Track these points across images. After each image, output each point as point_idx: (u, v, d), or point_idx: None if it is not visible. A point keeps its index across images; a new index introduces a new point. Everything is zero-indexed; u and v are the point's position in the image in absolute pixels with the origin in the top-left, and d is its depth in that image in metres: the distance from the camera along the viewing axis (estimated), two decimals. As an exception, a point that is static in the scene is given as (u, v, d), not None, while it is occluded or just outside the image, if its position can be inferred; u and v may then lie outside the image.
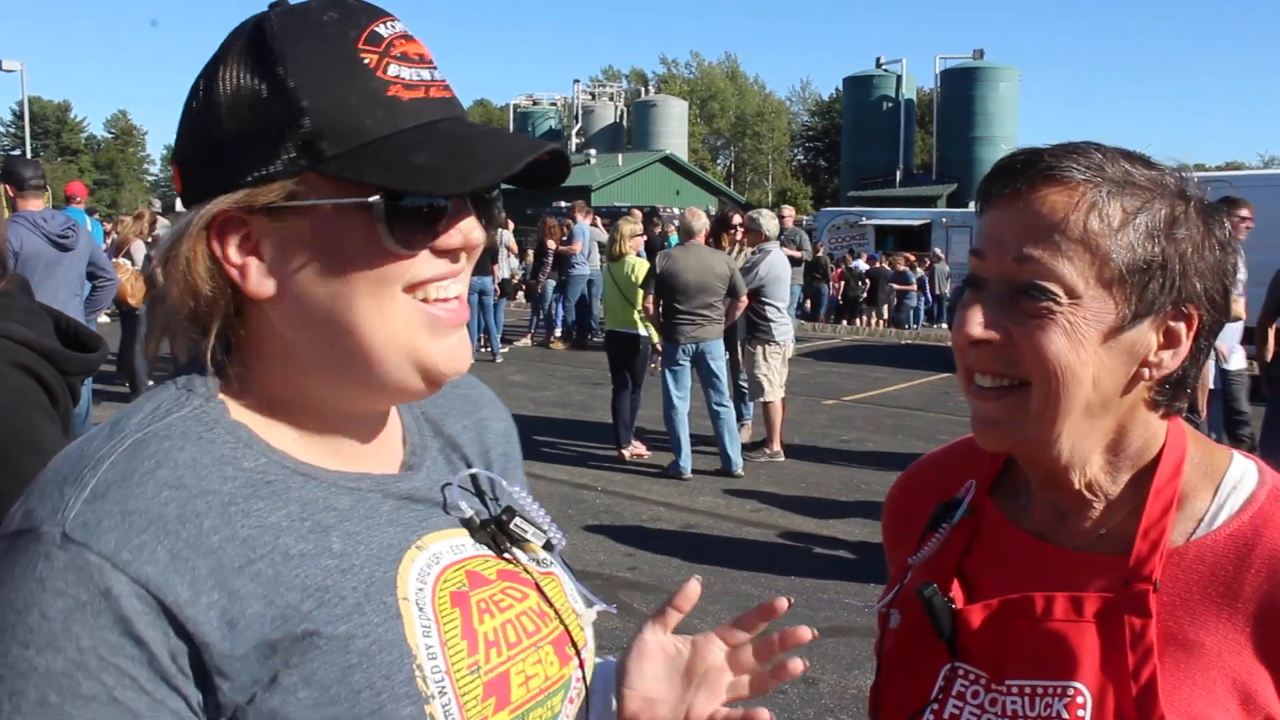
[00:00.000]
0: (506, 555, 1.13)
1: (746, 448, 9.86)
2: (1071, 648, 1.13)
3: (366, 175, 0.94)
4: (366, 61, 0.96)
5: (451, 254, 1.01)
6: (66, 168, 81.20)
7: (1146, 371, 1.14)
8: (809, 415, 11.82)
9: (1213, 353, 5.90)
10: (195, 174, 0.99)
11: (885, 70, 56.74)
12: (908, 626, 1.28)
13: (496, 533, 1.13)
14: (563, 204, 21.89)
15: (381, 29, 0.98)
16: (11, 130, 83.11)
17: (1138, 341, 1.13)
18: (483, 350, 15.26)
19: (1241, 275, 5.81)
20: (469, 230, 1.01)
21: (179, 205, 1.02)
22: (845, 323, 24.58)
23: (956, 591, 1.23)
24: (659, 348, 9.35)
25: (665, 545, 7.24)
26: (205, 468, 0.95)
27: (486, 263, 15.46)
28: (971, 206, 11.87)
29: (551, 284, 17.37)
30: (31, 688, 0.85)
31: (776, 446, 9.82)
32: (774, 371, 9.63)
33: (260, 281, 0.98)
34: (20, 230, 6.53)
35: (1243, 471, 1.18)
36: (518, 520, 1.15)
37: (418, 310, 0.99)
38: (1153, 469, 1.18)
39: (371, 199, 0.95)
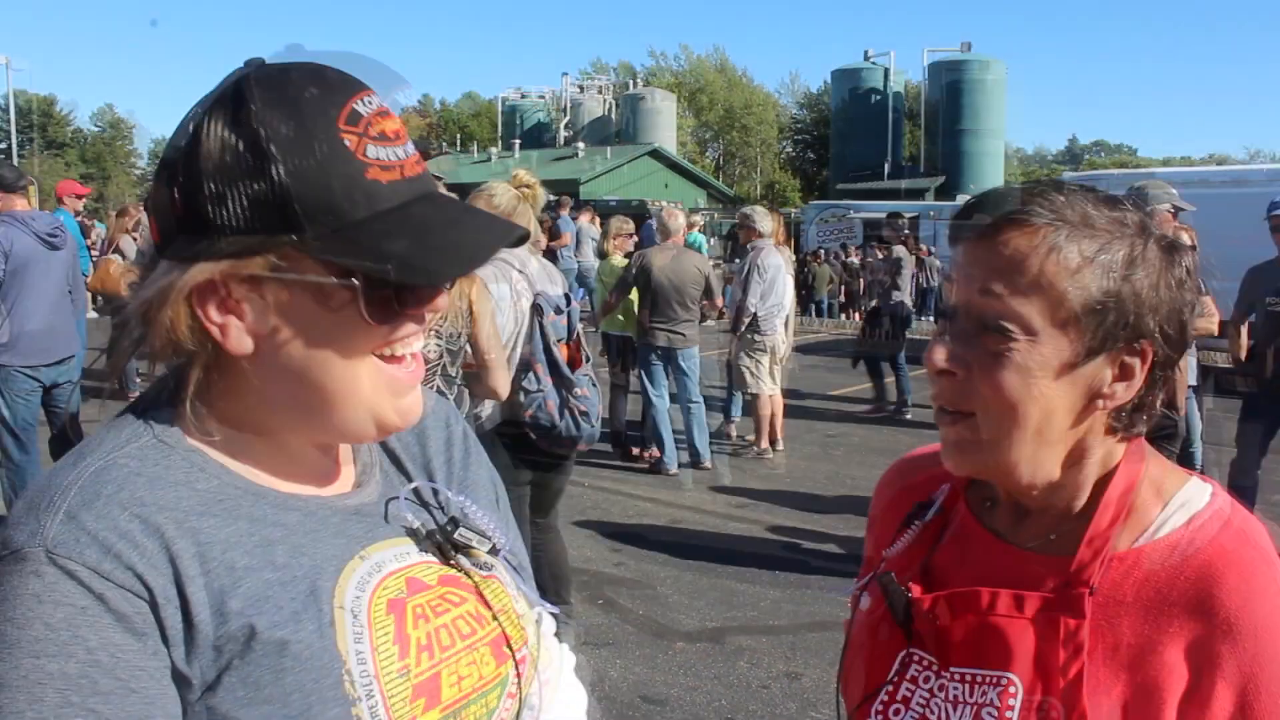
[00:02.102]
0: (451, 562, 1.21)
1: (737, 445, 9.93)
2: (1009, 641, 1.22)
3: (349, 260, 1.02)
4: (347, 144, 1.02)
5: (418, 317, 1.11)
6: (53, 162, 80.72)
7: (1101, 402, 1.21)
8: (795, 411, 11.89)
9: (1192, 350, 5.98)
10: (173, 231, 1.04)
11: (873, 63, 56.70)
12: (874, 611, 1.37)
13: (441, 541, 1.21)
14: (551, 197, 21.88)
15: (360, 106, 1.04)
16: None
17: (1093, 376, 1.20)
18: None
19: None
20: (436, 302, 1.11)
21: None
22: (844, 316, 24.60)
23: (917, 582, 1.32)
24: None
25: (652, 541, 7.31)
26: (163, 489, 1.04)
27: None
28: (959, 199, 11.95)
29: None
30: (52, 692, 0.92)
31: (765, 444, 9.88)
32: (759, 365, 9.70)
33: (240, 340, 1.06)
34: (11, 230, 6.56)
35: (1196, 491, 1.25)
36: (461, 529, 1.22)
37: (383, 374, 1.09)
38: (1106, 483, 1.25)
39: (353, 281, 1.03)
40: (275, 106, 1.01)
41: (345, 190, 1.01)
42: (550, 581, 5.06)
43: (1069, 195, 1.20)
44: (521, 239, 1.13)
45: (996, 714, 1.20)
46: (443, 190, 1.14)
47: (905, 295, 12.18)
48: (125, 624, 0.96)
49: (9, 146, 47.64)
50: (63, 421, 6.99)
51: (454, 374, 4.39)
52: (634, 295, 9.37)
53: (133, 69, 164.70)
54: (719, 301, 9.43)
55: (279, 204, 1.00)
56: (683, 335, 9.12)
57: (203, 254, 1.02)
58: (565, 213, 17.75)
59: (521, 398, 4.70)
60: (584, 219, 18.03)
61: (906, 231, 13.25)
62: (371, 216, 1.02)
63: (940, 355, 1.22)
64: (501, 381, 4.44)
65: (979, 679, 1.23)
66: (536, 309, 4.78)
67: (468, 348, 4.37)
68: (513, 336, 4.67)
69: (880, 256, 12.39)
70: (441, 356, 4.29)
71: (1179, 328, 1.22)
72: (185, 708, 1.00)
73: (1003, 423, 1.20)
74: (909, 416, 11.74)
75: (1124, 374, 1.21)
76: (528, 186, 4.80)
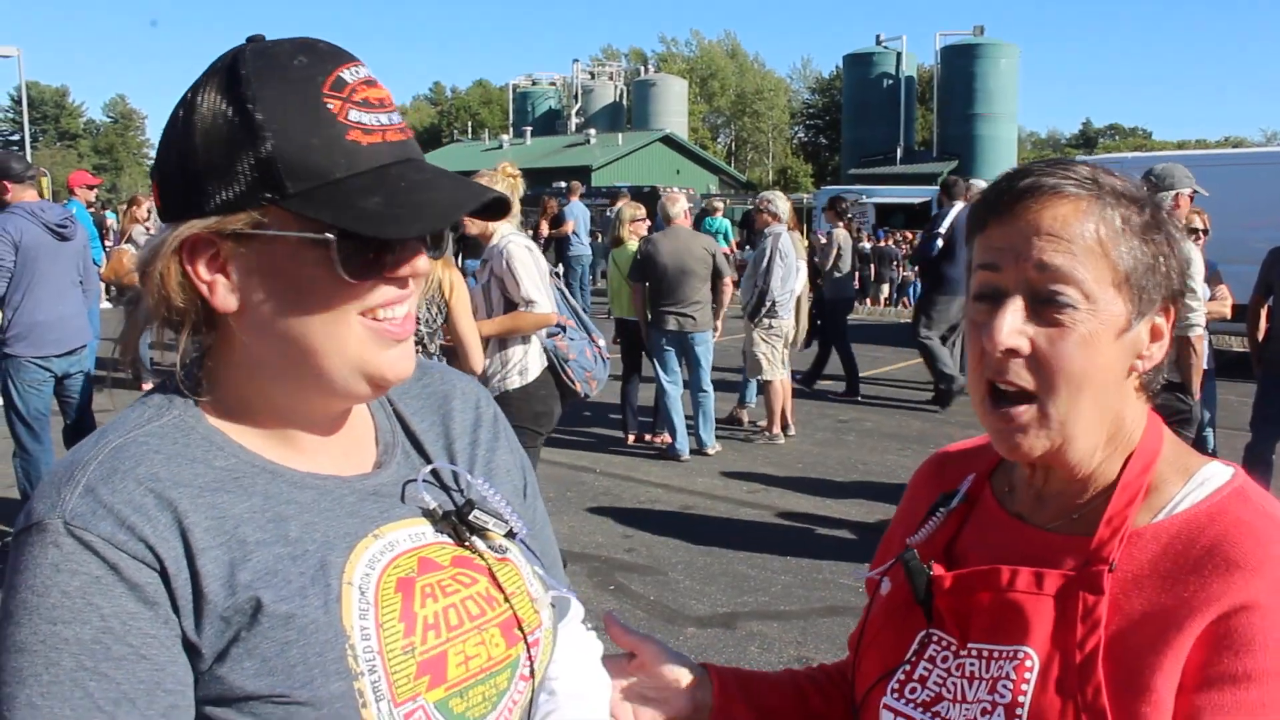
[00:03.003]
0: (466, 544, 1.22)
1: (749, 430, 9.92)
2: (1027, 617, 1.22)
3: (322, 214, 1.04)
4: (331, 108, 1.06)
5: (400, 281, 1.12)
6: (65, 153, 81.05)
7: (1139, 364, 1.25)
8: (808, 396, 11.87)
9: (1206, 334, 5.94)
10: (171, 194, 1.10)
11: (885, 47, 56.46)
12: (894, 594, 1.38)
13: (456, 523, 1.22)
14: (562, 184, 21.93)
15: (346, 74, 1.08)
16: (10, 116, 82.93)
17: (1136, 338, 1.23)
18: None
19: (1199, 273, 5.74)
20: (416, 263, 1.12)
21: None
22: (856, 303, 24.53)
23: (940, 565, 1.33)
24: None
25: (663, 527, 7.31)
26: (179, 466, 1.08)
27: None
28: (971, 183, 11.82)
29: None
30: (66, 656, 0.97)
31: (776, 429, 9.87)
32: (774, 351, 9.68)
33: (226, 298, 1.09)
34: (20, 221, 6.57)
35: (1216, 470, 1.26)
36: (477, 512, 1.23)
37: (367, 329, 1.11)
38: (1128, 462, 1.26)
39: (327, 235, 1.05)
40: (264, 74, 1.06)
41: (325, 151, 1.05)
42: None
43: (1091, 168, 1.22)
44: (498, 204, 1.14)
45: (1012, 686, 1.20)
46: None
47: (847, 277, 12.19)
48: (137, 593, 1.00)
49: (22, 138, 47.74)
50: (76, 411, 7.01)
51: (433, 351, 5.00)
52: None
53: (144, 61, 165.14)
54: (729, 281, 9.38)
55: (263, 164, 1.04)
56: (693, 318, 9.11)
57: (193, 212, 1.07)
58: (576, 199, 17.75)
59: (559, 349, 5.56)
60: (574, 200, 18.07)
61: (850, 215, 13.15)
62: (350, 176, 1.06)
63: (1006, 333, 1.19)
64: (477, 358, 5.09)
65: (995, 654, 1.24)
66: (553, 274, 5.58)
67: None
68: (547, 285, 5.47)
69: (823, 240, 12.34)
70: (421, 339, 4.84)
71: (1184, 285, 1.26)
72: (196, 677, 1.03)
73: (1071, 394, 1.20)
74: (859, 398, 11.86)
75: (1155, 335, 1.25)
76: (514, 176, 5.51)
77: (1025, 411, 1.22)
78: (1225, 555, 1.15)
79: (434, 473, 1.27)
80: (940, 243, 10.88)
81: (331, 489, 1.16)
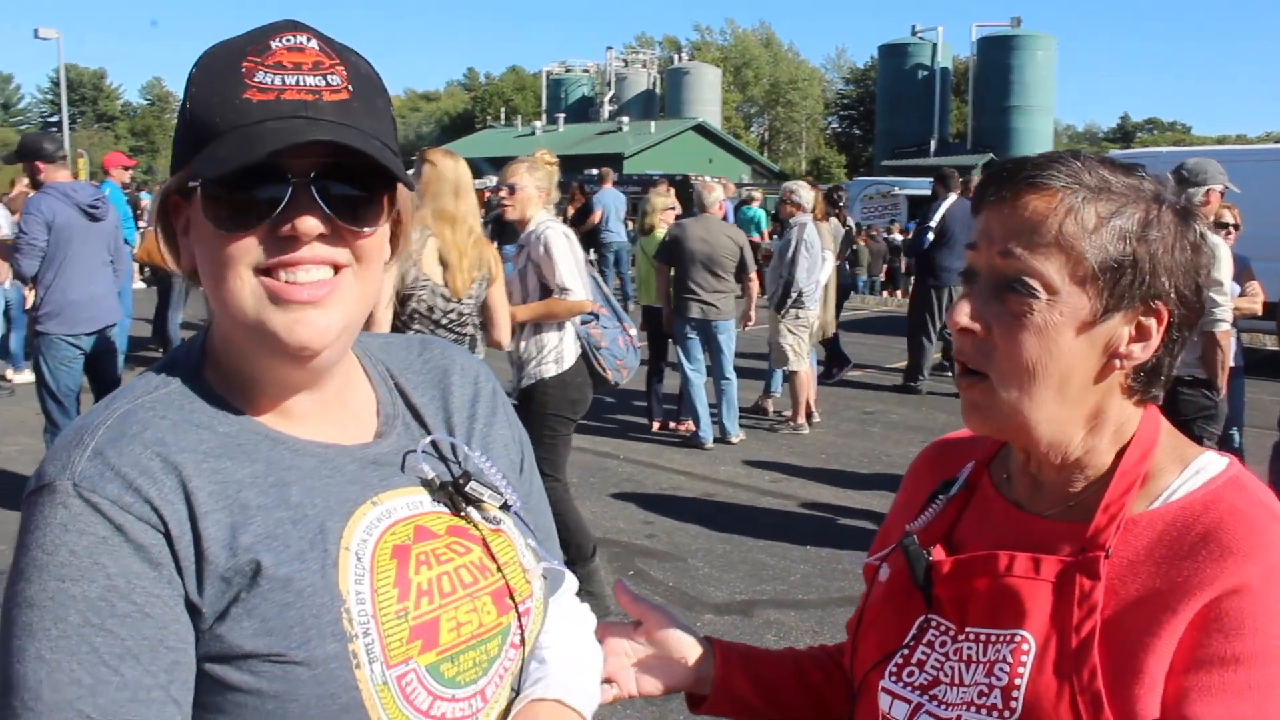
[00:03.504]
0: (462, 514, 1.25)
1: (773, 420, 9.91)
2: (1024, 602, 1.25)
3: (194, 167, 1.09)
4: (242, 69, 1.09)
5: (287, 241, 1.10)
6: (103, 135, 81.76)
7: (1118, 362, 1.25)
8: (833, 386, 11.85)
9: (1234, 331, 5.88)
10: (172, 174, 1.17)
11: (921, 38, 56.16)
12: (893, 581, 1.40)
13: (452, 493, 1.25)
14: (593, 171, 21.94)
15: (276, 42, 1.11)
16: (49, 98, 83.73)
17: (1110, 334, 1.24)
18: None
19: (1227, 268, 5.66)
20: (298, 222, 1.08)
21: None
22: (885, 294, 24.50)
23: (939, 551, 1.35)
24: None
25: (684, 514, 7.33)
26: (184, 431, 1.12)
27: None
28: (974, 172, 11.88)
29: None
30: (74, 613, 1.01)
31: (801, 419, 9.87)
32: (800, 342, 9.67)
33: (179, 256, 1.18)
34: (53, 202, 6.66)
35: (1212, 460, 1.28)
36: (473, 483, 1.26)
37: (263, 286, 1.10)
38: (1124, 452, 1.29)
39: (191, 184, 1.10)
40: (224, 46, 1.12)
41: (221, 109, 1.08)
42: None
43: (1085, 162, 1.25)
44: (343, 149, 1.08)
45: (1009, 669, 1.22)
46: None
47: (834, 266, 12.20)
48: (142, 554, 1.04)
49: (60, 119, 48.21)
50: (106, 388, 7.10)
51: (472, 331, 5.12)
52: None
53: (182, 44, 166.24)
54: (754, 275, 9.39)
55: (188, 129, 1.11)
56: (716, 307, 9.12)
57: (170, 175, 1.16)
58: (609, 186, 17.75)
59: (592, 337, 5.66)
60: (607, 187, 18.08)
61: (841, 204, 13.22)
62: (230, 130, 1.08)
63: (963, 313, 1.25)
64: (506, 334, 5.28)
65: (993, 638, 1.26)
66: (588, 262, 5.68)
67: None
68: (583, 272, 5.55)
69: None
70: (466, 314, 5.00)
71: (1194, 290, 1.26)
72: (197, 635, 1.06)
73: (1020, 380, 1.24)
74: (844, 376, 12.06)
75: (1141, 334, 1.25)
76: (550, 164, 5.72)
77: (974, 386, 1.28)
78: (1219, 541, 1.17)
79: (433, 444, 1.30)
80: (931, 235, 11.10)
81: (332, 457, 1.19)
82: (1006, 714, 1.21)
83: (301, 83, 1.09)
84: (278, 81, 1.08)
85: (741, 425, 9.57)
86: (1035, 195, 1.22)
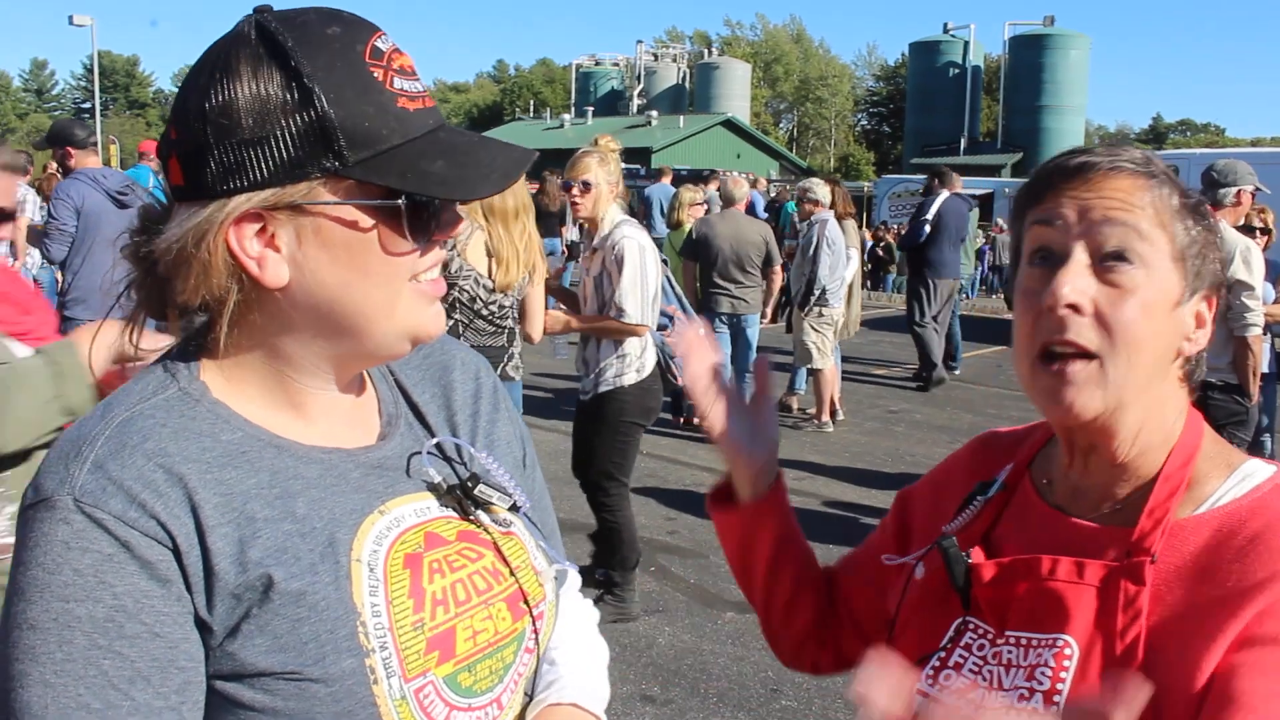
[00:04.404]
0: (471, 518, 1.22)
1: (798, 417, 9.87)
2: (1067, 606, 1.22)
3: (392, 181, 1.05)
4: (376, 75, 1.06)
5: (444, 243, 1.15)
6: (134, 121, 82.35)
7: (1185, 347, 1.25)
8: (859, 385, 11.79)
9: (1267, 336, 5.80)
10: (205, 171, 1.05)
11: (953, 36, 55.81)
12: (929, 581, 1.37)
13: (461, 497, 1.21)
14: (622, 166, 21.84)
15: (380, 44, 1.09)
16: (83, 84, 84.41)
17: (1186, 317, 1.25)
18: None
19: (1259, 271, 5.56)
20: (456, 223, 1.14)
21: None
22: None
23: (978, 553, 1.33)
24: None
25: (707, 510, 7.25)
26: (186, 440, 1.07)
27: (554, 225, 15.75)
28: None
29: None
30: (80, 635, 0.97)
31: (825, 417, 9.82)
32: (824, 340, 9.62)
33: (276, 273, 1.07)
34: (82, 187, 6.69)
35: (1258, 467, 1.26)
36: (481, 486, 1.22)
37: (414, 291, 1.12)
38: (1169, 455, 1.27)
39: (398, 202, 1.06)
40: (305, 43, 1.04)
41: (380, 118, 1.05)
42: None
43: (1141, 152, 1.26)
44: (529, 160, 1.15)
45: (1051, 673, 1.20)
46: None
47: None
48: (149, 571, 1.00)
49: (93, 106, 48.55)
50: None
51: (514, 320, 5.08)
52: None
53: (214, 32, 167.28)
54: (779, 269, 9.36)
55: (322, 132, 1.03)
56: (745, 301, 9.09)
57: (241, 186, 1.04)
58: (666, 181, 17.66)
59: (668, 345, 5.57)
60: (712, 187, 18.11)
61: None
62: (406, 142, 1.07)
63: (1069, 288, 1.19)
64: (539, 329, 5.23)
65: (1034, 642, 1.24)
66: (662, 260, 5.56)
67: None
68: (656, 286, 5.41)
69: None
70: (508, 306, 4.98)
71: (1227, 278, 1.30)
72: (207, 653, 1.03)
73: (1132, 357, 1.20)
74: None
75: (1199, 321, 1.26)
76: (613, 150, 5.49)
77: (1084, 368, 1.21)
78: (1267, 544, 1.15)
79: (438, 446, 1.27)
80: (928, 229, 11.38)
81: (336, 463, 1.15)
82: None
83: (424, 88, 1.12)
84: (412, 88, 1.09)
85: (766, 422, 9.50)
86: (1122, 176, 1.22)
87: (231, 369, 1.14)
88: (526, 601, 1.23)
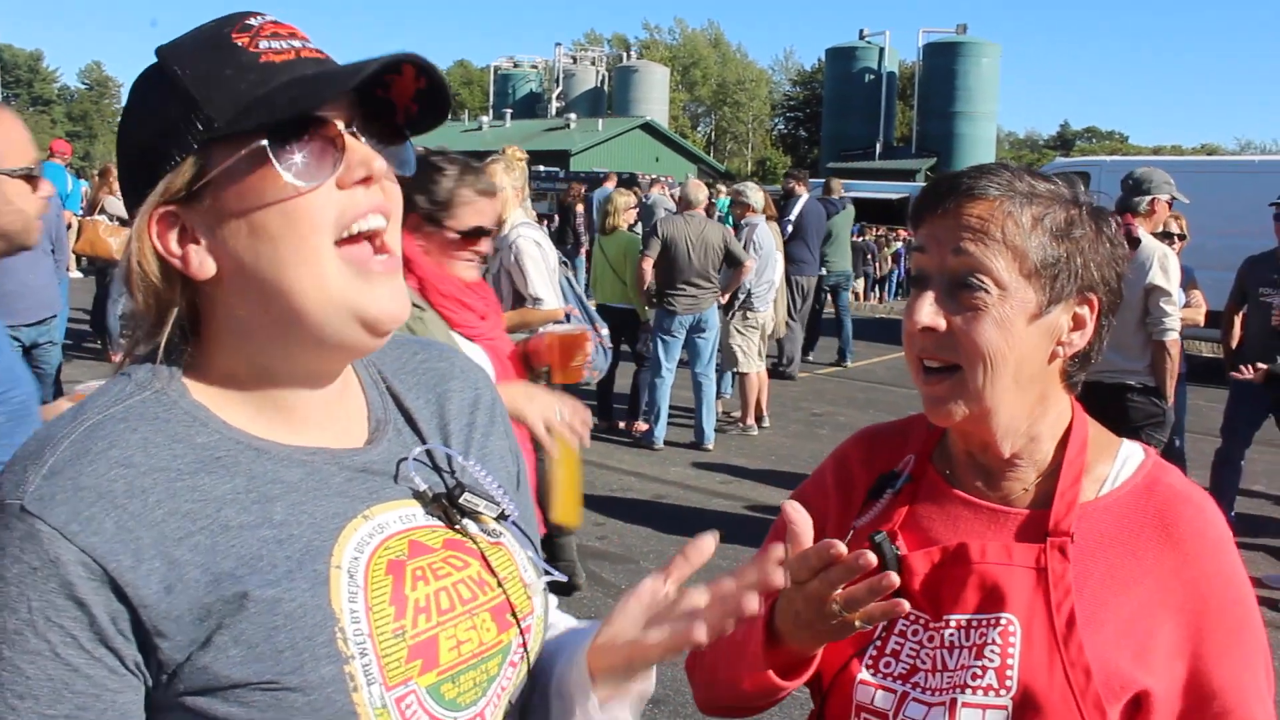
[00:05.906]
0: (457, 527, 1.20)
1: (722, 421, 9.94)
2: (1002, 587, 1.35)
3: (249, 124, 1.02)
4: (240, 43, 1.07)
5: (363, 185, 1.08)
6: (39, 118, 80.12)
7: (1060, 350, 1.39)
8: (781, 388, 11.89)
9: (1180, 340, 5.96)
10: (129, 186, 1.10)
11: (868, 42, 56.69)
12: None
13: (446, 505, 1.19)
14: (540, 168, 21.90)
15: (252, 21, 1.09)
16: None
17: (1053, 324, 1.37)
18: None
19: (1175, 277, 5.73)
20: (367, 159, 1.07)
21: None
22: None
23: (904, 543, 1.43)
24: (648, 322, 9.33)
25: (635, 515, 7.31)
26: (157, 446, 1.04)
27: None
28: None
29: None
30: None
31: (750, 420, 9.89)
32: (750, 343, 9.68)
33: (201, 263, 1.07)
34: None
35: (1132, 448, 1.47)
36: (468, 494, 1.20)
37: (347, 262, 1.07)
38: (1064, 443, 1.43)
39: (260, 142, 1.02)
40: (178, 44, 1.09)
41: (240, 75, 1.05)
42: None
43: (1014, 172, 1.38)
44: (428, 77, 1.10)
45: (999, 649, 1.32)
46: None
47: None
48: (69, 590, 0.97)
49: (-5, 102, 47.08)
50: (47, 382, 6.93)
51: None
52: (624, 271, 9.33)
53: (121, 28, 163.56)
54: (748, 264, 9.34)
55: (187, 107, 1.04)
56: (704, 302, 9.07)
57: (149, 193, 1.07)
58: (609, 186, 17.63)
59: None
60: (655, 191, 18.07)
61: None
62: (270, 89, 1.04)
63: (924, 312, 1.34)
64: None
65: (975, 623, 1.35)
66: (561, 263, 5.79)
67: None
68: (554, 280, 5.60)
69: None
70: None
71: (1116, 279, 1.41)
72: (175, 670, 1.00)
73: (986, 367, 1.34)
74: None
75: (1077, 323, 1.39)
76: (521, 159, 5.75)
77: (946, 381, 1.36)
78: (1169, 519, 1.37)
79: (427, 453, 1.24)
80: (791, 228, 11.99)
81: (319, 466, 1.12)
82: (1003, 692, 1.30)
83: (305, 46, 1.10)
84: (284, 46, 1.07)
85: (688, 427, 9.56)
86: (978, 203, 1.34)
87: (211, 371, 1.11)
88: (514, 614, 1.20)
